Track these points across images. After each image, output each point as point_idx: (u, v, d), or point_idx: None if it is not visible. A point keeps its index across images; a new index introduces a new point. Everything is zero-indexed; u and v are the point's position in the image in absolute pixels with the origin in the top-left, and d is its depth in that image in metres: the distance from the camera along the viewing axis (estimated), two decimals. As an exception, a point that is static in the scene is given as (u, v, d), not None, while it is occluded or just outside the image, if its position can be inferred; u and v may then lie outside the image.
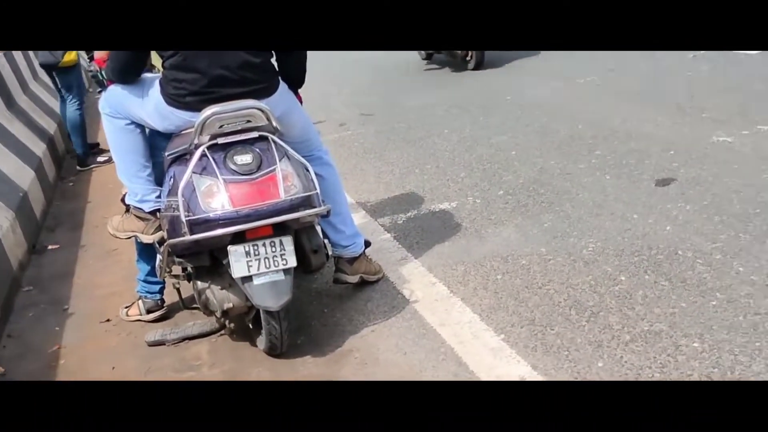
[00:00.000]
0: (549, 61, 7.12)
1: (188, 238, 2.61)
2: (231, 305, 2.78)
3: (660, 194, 3.65)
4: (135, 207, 3.01)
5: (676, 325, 2.58)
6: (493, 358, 2.60)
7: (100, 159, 6.15)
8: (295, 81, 3.03)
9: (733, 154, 3.96)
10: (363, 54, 9.59)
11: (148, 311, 3.30)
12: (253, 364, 2.87)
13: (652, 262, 3.03)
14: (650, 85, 5.62)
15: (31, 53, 7.59)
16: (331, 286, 3.31)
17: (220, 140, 2.70)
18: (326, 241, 3.11)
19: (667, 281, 2.87)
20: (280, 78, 2.91)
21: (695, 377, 2.31)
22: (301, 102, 3.12)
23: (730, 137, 4.22)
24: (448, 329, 2.82)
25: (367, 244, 3.27)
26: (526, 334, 2.70)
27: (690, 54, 6.31)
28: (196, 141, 2.69)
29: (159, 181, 3.01)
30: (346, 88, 7.59)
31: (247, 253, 2.65)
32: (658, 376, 2.35)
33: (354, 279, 3.19)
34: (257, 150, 2.70)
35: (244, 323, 2.96)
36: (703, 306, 2.66)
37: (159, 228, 2.96)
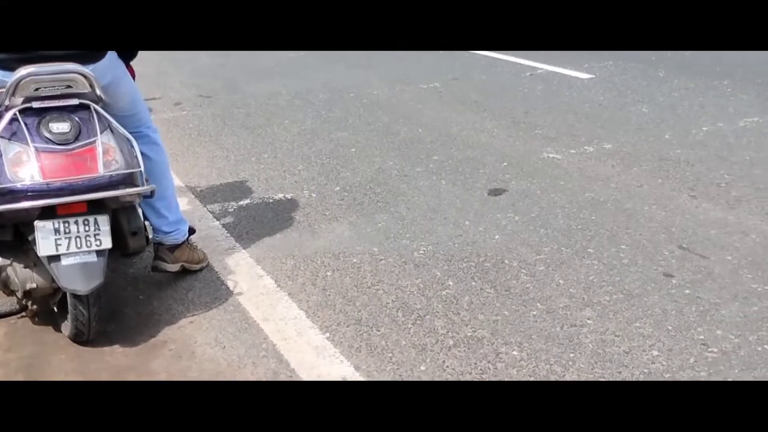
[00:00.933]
0: (396, 64, 7.17)
1: (-11, 208, 2.33)
2: (34, 285, 2.52)
3: (491, 203, 3.73)
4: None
5: (498, 332, 2.62)
6: (316, 357, 2.51)
7: None
8: (127, 51, 2.80)
9: (560, 171, 4.13)
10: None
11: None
12: (54, 351, 2.62)
13: (480, 269, 3.07)
14: (489, 97, 5.78)
15: None
16: (149, 273, 3.10)
17: (35, 104, 2.44)
18: (147, 224, 2.90)
19: (493, 289, 2.91)
20: (110, 45, 2.67)
21: (512, 385, 2.34)
22: (133, 76, 2.89)
23: (559, 154, 4.40)
24: (272, 325, 2.71)
25: (192, 231, 3.09)
26: (352, 333, 2.64)
27: (527, 72, 6.57)
28: (7, 102, 2.42)
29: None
30: (187, 68, 7.26)
31: (56, 231, 2.42)
32: (477, 383, 2.36)
33: (174, 267, 3.00)
34: (76, 119, 2.47)
35: (48, 306, 2.70)
36: (525, 315, 2.72)
37: None
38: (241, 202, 3.84)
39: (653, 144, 4.52)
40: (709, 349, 2.48)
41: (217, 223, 3.59)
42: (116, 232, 2.57)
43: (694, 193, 3.76)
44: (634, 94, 5.73)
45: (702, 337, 2.55)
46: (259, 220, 3.61)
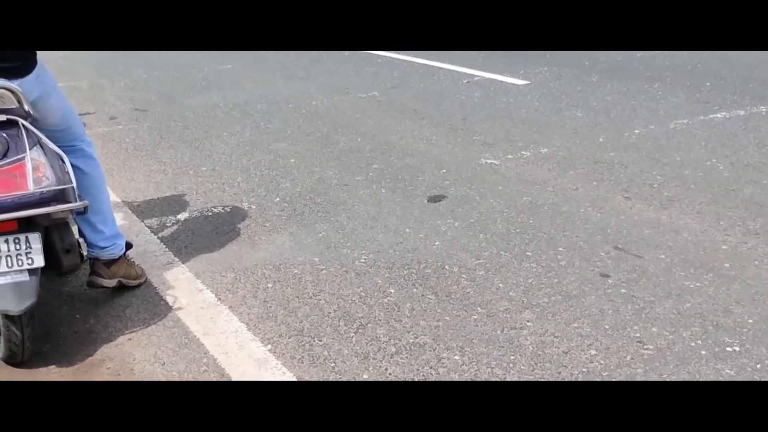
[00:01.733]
0: (335, 74, 7.17)
1: None
2: None
3: (431, 210, 3.75)
4: None
5: (440, 338, 2.64)
6: (258, 370, 2.49)
7: None
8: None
9: (498, 176, 4.18)
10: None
11: None
12: (-15, 374, 2.54)
13: (421, 275, 3.09)
14: (427, 104, 5.82)
15: None
16: (85, 290, 3.03)
17: (-40, 121, 2.37)
18: (82, 240, 2.84)
19: (434, 295, 2.93)
20: (38, 59, 2.61)
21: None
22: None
23: (496, 160, 4.46)
24: (213, 339, 2.68)
25: (129, 246, 3.04)
26: (294, 344, 2.63)
27: (464, 80, 6.65)
28: (-69, 120, 2.34)
29: None
30: (122, 82, 7.13)
31: (-14, 250, 2.34)
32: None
33: (111, 283, 2.94)
34: (4, 135, 2.41)
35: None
36: (465, 320, 2.75)
37: None
38: (180, 216, 3.79)
39: (588, 147, 4.62)
40: (645, 347, 2.54)
41: (155, 237, 3.54)
42: (49, 250, 2.51)
43: (628, 194, 3.85)
44: (568, 99, 5.85)
45: (638, 335, 2.61)
46: (198, 234, 3.56)
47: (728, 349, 2.51)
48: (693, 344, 2.54)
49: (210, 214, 3.81)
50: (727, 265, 3.07)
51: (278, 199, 3.97)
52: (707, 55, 7.25)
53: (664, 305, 2.78)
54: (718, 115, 5.18)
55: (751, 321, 2.66)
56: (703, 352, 2.50)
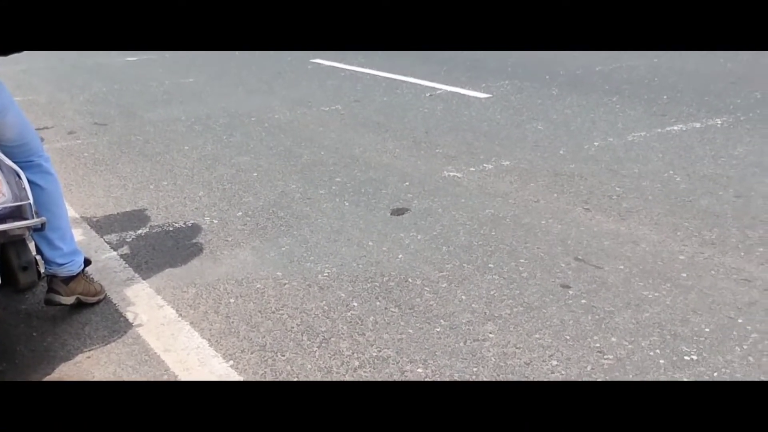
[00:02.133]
0: (296, 87, 7.17)
1: None
2: None
3: (394, 223, 3.76)
4: None
5: (403, 351, 2.64)
6: (220, 387, 2.46)
7: None
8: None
9: (461, 189, 4.21)
10: (100, 60, 9.03)
11: None
12: (-62, 397, 2.47)
13: (384, 288, 3.09)
14: (390, 118, 5.85)
15: None
16: (43, 308, 2.98)
17: None
18: (39, 257, 2.79)
19: (397, 308, 2.93)
20: (-6, 73, 2.57)
21: (418, 402, 2.35)
22: None
23: (459, 173, 4.49)
24: (174, 355, 2.65)
25: (87, 262, 2.99)
26: (256, 360, 2.61)
27: (427, 93, 6.69)
28: None
29: None
30: (81, 96, 7.04)
31: (-62, 268, 2.29)
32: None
33: (69, 300, 2.89)
34: (-42, 151, 2.36)
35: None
36: (429, 332, 2.75)
37: None
38: (140, 232, 3.75)
39: (548, 160, 4.68)
40: (605, 357, 2.57)
41: (115, 253, 3.49)
42: (5, 267, 2.47)
43: (588, 205, 3.90)
44: (529, 112, 5.92)
45: (598, 345, 2.64)
46: (158, 249, 3.52)
47: (686, 357, 2.55)
48: (652, 353, 2.58)
49: (171, 229, 3.78)
50: (684, 275, 3.12)
51: (240, 213, 3.95)
52: (665, 69, 7.40)
53: (624, 315, 2.82)
54: (675, 128, 5.28)
55: (707, 330, 2.71)
56: (661, 361, 2.53)
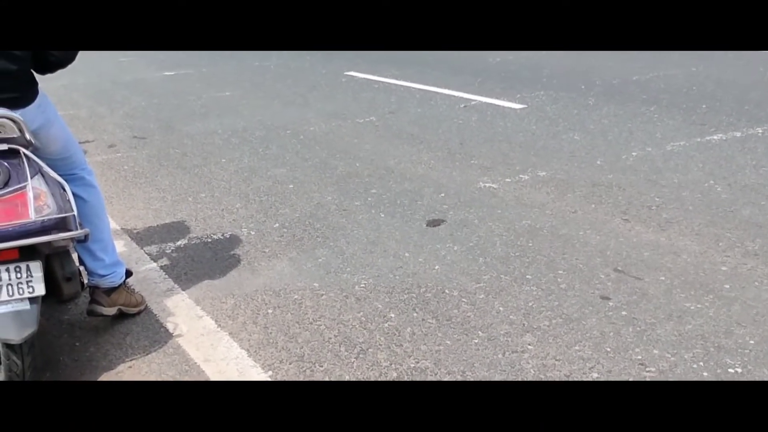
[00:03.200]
0: (331, 100, 7.21)
1: None
2: None
3: (430, 234, 3.76)
4: None
5: (441, 362, 2.63)
6: (259, 397, 2.47)
7: None
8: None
9: (497, 200, 4.19)
10: (138, 76, 9.18)
11: None
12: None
13: (421, 300, 3.09)
14: (425, 129, 5.85)
15: None
16: (85, 318, 3.02)
17: (-39, 151, 2.38)
18: (82, 268, 2.84)
19: (434, 319, 2.93)
20: (39, 89, 2.63)
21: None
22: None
23: (495, 183, 4.47)
24: (213, 365, 2.67)
25: (129, 273, 3.04)
26: (295, 370, 2.62)
27: (461, 104, 6.69)
28: (-66, 150, 2.35)
29: None
30: (120, 110, 7.17)
31: (-13, 279, 2.34)
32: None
33: (111, 311, 2.93)
34: (5, 164, 2.41)
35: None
36: (466, 344, 2.74)
37: None
38: (179, 243, 3.79)
39: (586, 170, 4.64)
40: (647, 369, 2.53)
41: (155, 264, 3.54)
42: (50, 278, 2.51)
43: (627, 216, 3.86)
44: (565, 122, 5.88)
45: (640, 357, 2.60)
46: (197, 261, 3.56)
47: (730, 370, 2.50)
48: (695, 366, 2.54)
49: (209, 240, 3.82)
50: (727, 286, 3.07)
51: (277, 224, 3.98)
52: (703, 78, 7.31)
53: (665, 327, 2.78)
54: (715, 137, 5.21)
55: (752, 342, 2.66)
56: (705, 374, 2.49)
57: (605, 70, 7.99)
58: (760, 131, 5.28)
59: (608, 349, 2.66)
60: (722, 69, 7.72)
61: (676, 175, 4.47)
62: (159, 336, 2.90)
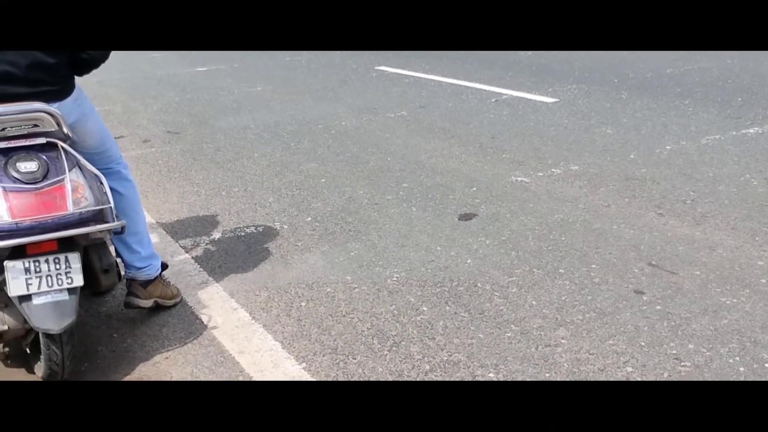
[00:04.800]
0: (361, 94, 7.23)
1: (-44, 250, 2.31)
2: (6, 327, 2.49)
3: (462, 228, 3.76)
4: None
5: (474, 355, 2.63)
6: (293, 388, 2.50)
7: None
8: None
9: (529, 194, 4.18)
10: (171, 71, 9.27)
11: None
12: (26, 395, 2.57)
13: (453, 293, 3.09)
14: (456, 123, 5.84)
15: None
16: (122, 310, 3.07)
17: (2, 144, 2.43)
18: (119, 260, 2.88)
19: (467, 312, 2.93)
20: (76, 83, 2.67)
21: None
22: None
23: (527, 177, 4.45)
24: (248, 357, 2.70)
25: (164, 266, 3.08)
26: (328, 362, 2.64)
27: (492, 98, 6.66)
28: (-27, 144, 2.40)
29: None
30: (154, 105, 7.24)
31: (27, 270, 2.39)
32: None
33: (147, 303, 2.98)
34: (44, 157, 2.46)
35: (20, 347, 2.67)
36: (499, 337, 2.74)
37: None
38: (213, 236, 3.83)
39: (619, 164, 4.60)
40: (682, 363, 2.51)
41: (190, 257, 3.58)
42: (88, 270, 2.55)
43: (661, 210, 3.82)
44: (598, 116, 5.83)
45: (674, 351, 2.58)
46: (231, 254, 3.60)
47: (767, 365, 2.47)
48: (731, 361, 2.51)
49: (243, 234, 3.85)
50: (764, 281, 3.03)
51: (309, 218, 4.00)
52: (738, 70, 7.20)
53: (701, 322, 2.75)
54: (751, 131, 5.13)
55: (790, 337, 2.62)
56: (741, 369, 2.46)
57: (638, 63, 7.90)
58: (798, 124, 5.20)
59: (642, 344, 2.64)
60: (759, 61, 7.59)
61: (711, 168, 4.41)
62: (194, 328, 2.94)
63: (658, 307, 2.87)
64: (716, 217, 3.69)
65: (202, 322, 2.97)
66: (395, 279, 3.24)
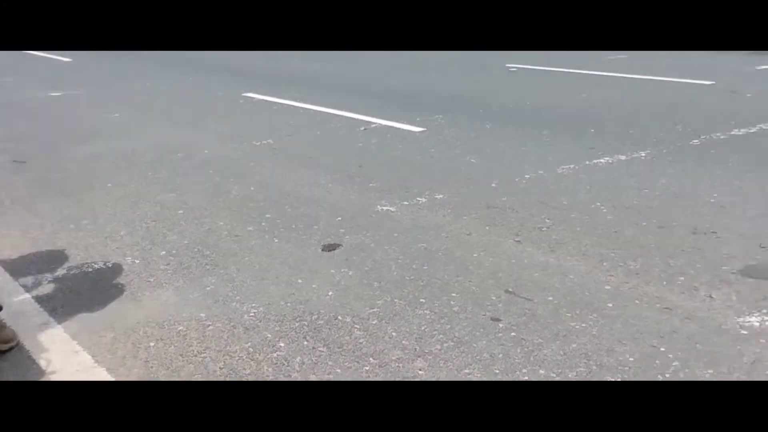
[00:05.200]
0: (227, 121, 7.08)
1: None
2: None
3: (326, 259, 3.69)
4: None
5: (330, 391, 2.55)
6: (136, 436, 2.33)
7: None
8: None
9: (394, 223, 4.17)
10: (20, 97, 8.78)
11: None
12: None
13: (312, 327, 3.01)
14: (324, 152, 5.80)
15: None
16: (-52, 357, 2.80)
17: None
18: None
19: (325, 347, 2.85)
20: None
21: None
22: None
23: (392, 206, 4.45)
24: (87, 405, 2.50)
25: (-1, 308, 2.84)
26: (176, 407, 2.49)
27: (361, 127, 6.68)
28: None
29: None
30: None
31: None
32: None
33: (-23, 348, 2.73)
34: None
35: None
36: (357, 371, 2.68)
37: None
38: (57, 273, 3.58)
39: (481, 193, 4.68)
40: (535, 391, 2.53)
41: (30, 296, 3.32)
42: None
43: (519, 238, 3.90)
44: (463, 145, 5.95)
45: (526, 377, 2.60)
46: (75, 292, 3.37)
47: (615, 389, 2.53)
48: (581, 386, 2.56)
49: (90, 270, 3.62)
50: (610, 305, 3.13)
51: (164, 252, 3.82)
52: (593, 101, 7.56)
53: (552, 347, 2.80)
54: (602, 161, 5.37)
55: (632, 359, 2.70)
56: (591, 394, 2.51)
57: (503, 95, 8.16)
58: (643, 154, 5.48)
59: (497, 371, 2.65)
60: (610, 94, 8.01)
61: (565, 197, 4.56)
62: (30, 374, 2.71)
63: (512, 334, 2.90)
64: (569, 244, 3.80)
65: (40, 368, 2.74)
66: (252, 314, 3.12)
